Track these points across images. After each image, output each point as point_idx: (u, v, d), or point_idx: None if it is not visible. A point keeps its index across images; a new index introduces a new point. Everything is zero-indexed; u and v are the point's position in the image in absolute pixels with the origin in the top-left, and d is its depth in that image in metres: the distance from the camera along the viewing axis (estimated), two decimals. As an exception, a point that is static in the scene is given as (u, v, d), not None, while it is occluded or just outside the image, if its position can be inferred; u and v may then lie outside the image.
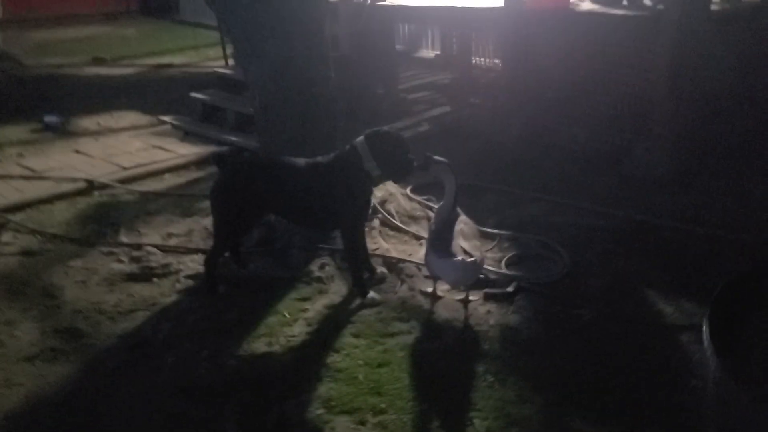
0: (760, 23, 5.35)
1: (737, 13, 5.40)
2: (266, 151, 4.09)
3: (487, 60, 8.08)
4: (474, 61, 8.12)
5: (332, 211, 3.48)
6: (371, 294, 3.51)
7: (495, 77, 7.49)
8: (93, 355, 3.19)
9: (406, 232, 4.30)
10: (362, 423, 2.70)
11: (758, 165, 5.20)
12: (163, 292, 3.69)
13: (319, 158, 3.45)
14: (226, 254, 3.74)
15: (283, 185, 3.46)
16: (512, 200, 4.85)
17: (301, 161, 3.50)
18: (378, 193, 4.56)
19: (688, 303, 3.48)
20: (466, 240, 3.35)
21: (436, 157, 3.42)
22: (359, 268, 3.53)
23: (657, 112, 4.90)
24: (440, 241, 3.33)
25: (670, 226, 4.33)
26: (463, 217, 3.52)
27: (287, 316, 3.42)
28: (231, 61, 8.04)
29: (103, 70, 9.65)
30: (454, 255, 3.22)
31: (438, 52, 9.37)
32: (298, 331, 3.30)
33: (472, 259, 3.20)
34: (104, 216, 4.71)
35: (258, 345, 3.20)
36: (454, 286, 3.49)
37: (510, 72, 6.08)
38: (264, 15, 3.72)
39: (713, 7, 5.21)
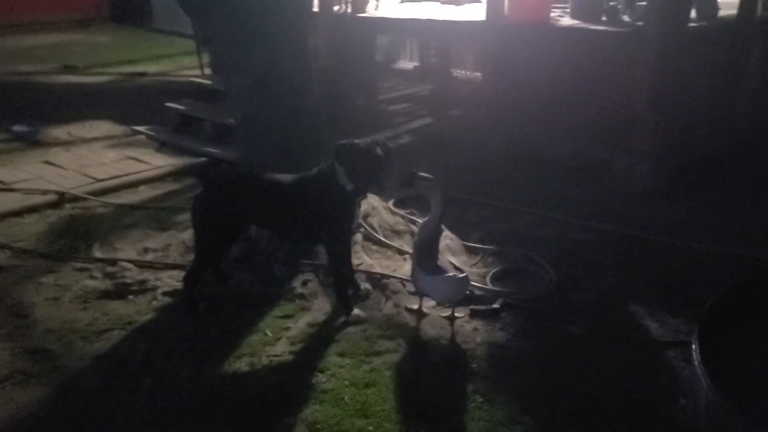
0: (733, 39, 5.42)
1: (711, 29, 5.46)
2: (248, 163, 3.99)
3: (467, 72, 8.11)
4: (453, 73, 8.14)
5: (315, 225, 3.40)
6: (356, 311, 3.43)
7: (475, 89, 7.51)
8: (66, 377, 3.05)
9: (390, 247, 4.22)
10: (350, 447, 2.61)
11: (737, 176, 5.26)
12: (140, 310, 3.56)
13: (303, 172, 3.37)
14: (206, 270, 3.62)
15: (268, 199, 3.37)
16: (497, 213, 4.81)
17: (284, 175, 3.41)
18: (361, 207, 4.49)
19: (674, 318, 3.47)
20: (454, 255, 3.29)
21: (423, 174, 3.35)
22: (345, 284, 3.45)
23: (638, 126, 4.91)
24: (426, 257, 3.26)
25: (656, 240, 4.33)
26: (447, 233, 3.46)
27: (269, 334, 3.32)
28: (207, 71, 7.93)
29: (75, 78, 9.45)
30: (442, 271, 3.16)
31: (416, 64, 9.39)
32: (281, 350, 3.20)
33: (463, 275, 3.14)
34: (76, 230, 4.56)
35: (240, 365, 3.10)
36: (442, 303, 3.42)
37: (491, 85, 6.07)
38: (247, 25, 3.64)
39: (690, 24, 5.26)
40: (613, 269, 4.00)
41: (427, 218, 3.41)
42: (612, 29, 5.18)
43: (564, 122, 5.56)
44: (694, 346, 2.72)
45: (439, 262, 3.21)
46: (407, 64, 9.68)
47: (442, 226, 3.44)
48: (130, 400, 2.89)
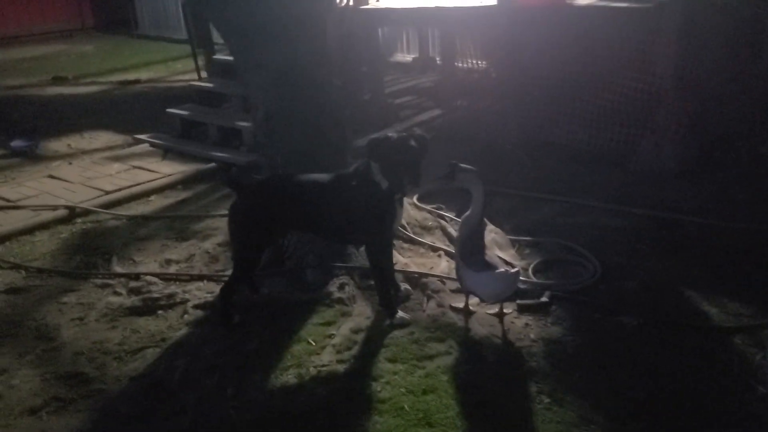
0: (756, 9, 5.28)
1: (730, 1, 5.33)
2: (272, 165, 3.82)
3: (470, 61, 7.94)
4: (457, 63, 7.98)
5: (354, 226, 3.23)
6: (401, 314, 3.27)
7: (479, 78, 7.36)
8: (104, 401, 2.87)
9: (421, 244, 4.07)
10: (419, 459, 2.46)
11: (763, 153, 5.13)
12: (172, 325, 3.39)
13: (339, 171, 3.20)
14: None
15: (304, 202, 3.21)
16: (523, 203, 4.67)
17: (320, 175, 3.24)
18: (402, 205, 4.33)
19: (732, 302, 3.34)
20: (501, 250, 3.14)
21: (463, 165, 3.20)
22: (387, 287, 3.29)
23: (663, 105, 4.78)
24: (472, 253, 3.10)
25: (692, 221, 4.20)
26: (491, 226, 3.30)
27: (313, 343, 3.16)
28: (204, 74, 7.74)
29: (66, 90, 9.22)
30: (491, 267, 3.00)
31: (415, 56, 9.22)
32: (328, 359, 3.04)
33: (515, 269, 2.99)
34: (91, 245, 4.37)
35: (287, 377, 2.93)
36: (491, 301, 3.27)
37: (503, 72, 5.91)
38: (265, 20, 3.46)
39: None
40: (655, 254, 3.87)
41: (468, 212, 3.25)
42: (633, 5, 5.03)
43: (580, 106, 5.41)
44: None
45: (487, 258, 3.05)
46: (405, 57, 9.51)
47: (486, 220, 3.28)
48: (175, 423, 2.72)
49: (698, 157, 4.98)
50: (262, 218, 3.19)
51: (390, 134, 3.14)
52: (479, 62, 7.74)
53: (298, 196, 3.20)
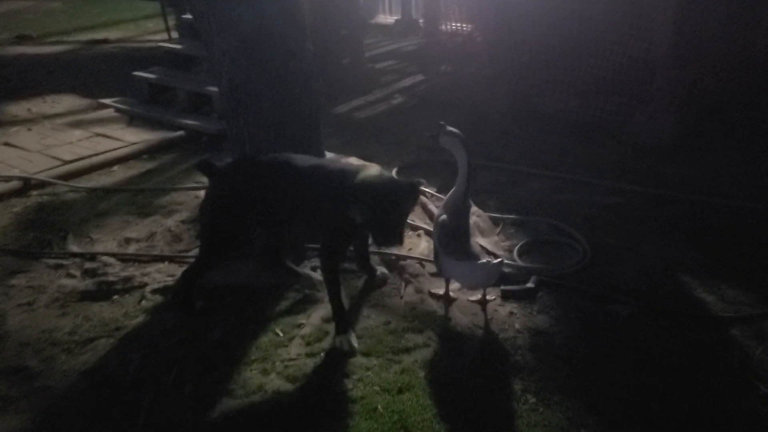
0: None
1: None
2: (236, 137, 3.51)
3: (456, 24, 7.59)
4: (441, 26, 7.63)
5: (315, 229, 2.92)
6: (352, 339, 2.80)
7: (464, 42, 7.03)
8: (50, 400, 2.61)
9: (400, 222, 3.80)
10: (392, 469, 2.24)
11: (761, 124, 4.90)
12: (128, 313, 3.12)
13: (326, 162, 2.85)
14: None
15: (281, 192, 2.87)
16: (510, 178, 4.42)
17: (302, 161, 2.87)
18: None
19: (731, 289, 3.13)
20: (483, 235, 2.88)
21: (450, 128, 2.93)
22: (338, 296, 2.84)
23: (660, 74, 4.51)
24: (454, 238, 2.84)
25: (687, 198, 3.98)
26: (475, 209, 3.03)
27: (281, 334, 2.91)
28: (175, 34, 7.33)
29: (30, 49, 8.73)
30: (473, 255, 2.75)
31: (397, 17, 8.85)
32: (296, 351, 2.79)
33: (498, 260, 2.74)
34: (46, 220, 4.06)
35: (251, 374, 2.68)
36: (473, 289, 3.03)
37: (490, 36, 5.59)
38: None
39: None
40: (650, 235, 3.64)
41: (452, 190, 2.99)
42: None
43: (572, 74, 5.14)
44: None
45: (469, 246, 2.79)
46: (387, 18, 9.13)
47: (470, 201, 3.02)
48: (127, 424, 2.47)
49: (694, 129, 4.74)
50: (235, 208, 2.87)
51: (377, 174, 2.62)
52: (465, 25, 7.41)
53: (278, 184, 2.86)
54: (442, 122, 2.95)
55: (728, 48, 4.93)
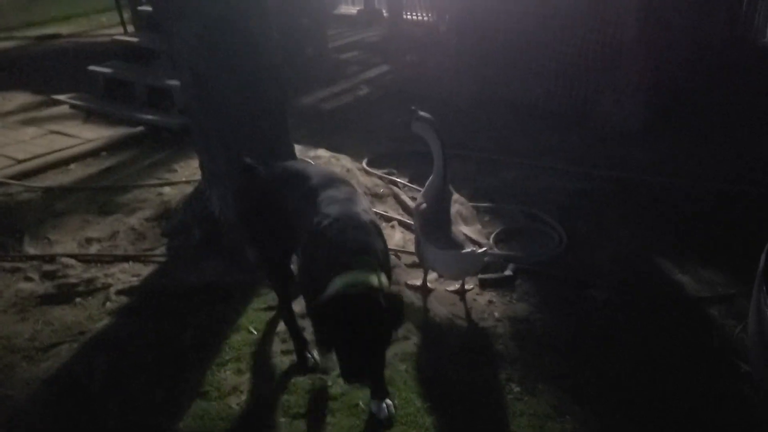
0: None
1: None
2: (200, 131, 3.38)
3: (418, 14, 7.54)
4: (404, 16, 7.58)
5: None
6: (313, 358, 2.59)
7: (429, 32, 6.98)
8: (10, 410, 2.46)
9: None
10: (378, 467, 2.17)
11: (723, 110, 4.96)
12: (92, 316, 2.97)
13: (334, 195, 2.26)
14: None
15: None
16: (480, 166, 4.38)
17: (317, 174, 2.42)
18: (334, 170, 3.97)
19: (704, 270, 3.15)
20: (467, 224, 2.82)
21: (422, 113, 2.85)
22: (293, 320, 2.63)
23: (626, 59, 4.51)
24: (436, 227, 2.77)
25: (657, 182, 3.99)
26: (457, 197, 2.97)
27: (254, 332, 2.80)
28: (131, 28, 7.09)
29: (-23, 46, 8.37)
30: (457, 244, 2.68)
31: (360, 8, 8.74)
32: (272, 350, 2.70)
33: (482, 249, 2.68)
34: (0, 222, 3.86)
35: (225, 374, 2.58)
36: (455, 279, 2.97)
37: (456, 25, 5.54)
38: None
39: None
40: (622, 219, 3.64)
41: (430, 178, 2.93)
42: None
43: (538, 62, 5.11)
44: (761, 297, 2.33)
45: (453, 234, 2.73)
46: (350, 9, 9.01)
47: (451, 188, 2.96)
48: (95, 433, 2.35)
49: (660, 114, 4.77)
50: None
51: (359, 287, 1.93)
52: (428, 14, 7.36)
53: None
54: (414, 107, 2.88)
55: (690, 35, 4.98)
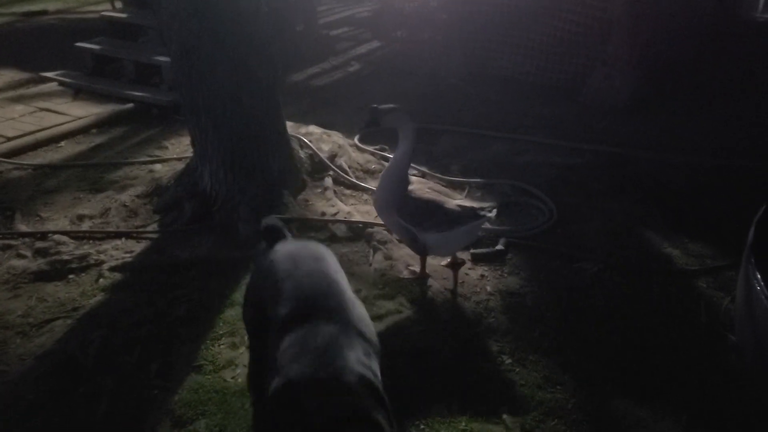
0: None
1: None
2: (190, 108, 3.36)
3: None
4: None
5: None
6: None
7: (420, 7, 6.92)
8: (4, 386, 2.47)
9: (365, 189, 3.75)
10: (371, 437, 2.19)
11: (712, 82, 4.98)
12: (85, 292, 2.98)
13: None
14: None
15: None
16: (471, 141, 4.38)
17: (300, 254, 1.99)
18: (325, 146, 3.97)
19: (692, 243, 3.18)
20: (451, 197, 2.83)
21: (384, 106, 2.78)
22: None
23: (616, 33, 4.50)
24: (430, 214, 2.74)
25: (646, 156, 4.02)
26: (415, 179, 2.90)
27: (248, 307, 2.81)
28: (119, 4, 7.00)
29: (-38, 23, 8.23)
30: (455, 218, 2.69)
31: (351, -17, 8.65)
32: (265, 324, 2.71)
33: (490, 209, 2.71)
34: (-9, 200, 3.84)
35: (219, 348, 2.60)
36: (454, 253, 2.97)
37: (445, 1, 5.50)
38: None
39: None
40: (611, 193, 3.67)
41: (395, 161, 2.81)
42: None
43: (528, 36, 5.10)
44: (749, 269, 2.36)
45: (449, 210, 2.72)
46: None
47: (410, 177, 2.87)
48: (89, 409, 2.36)
49: (649, 88, 4.78)
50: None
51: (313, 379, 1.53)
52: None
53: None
54: (374, 105, 2.78)
55: (680, 9, 4.96)
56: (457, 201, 2.77)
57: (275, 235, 2.13)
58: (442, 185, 3.19)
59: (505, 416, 2.24)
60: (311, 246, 2.08)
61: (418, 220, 2.73)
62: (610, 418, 2.23)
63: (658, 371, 2.43)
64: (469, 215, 2.68)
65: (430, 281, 2.94)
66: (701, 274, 2.94)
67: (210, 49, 3.20)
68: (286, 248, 2.02)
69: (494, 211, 2.78)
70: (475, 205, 2.76)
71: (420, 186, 2.85)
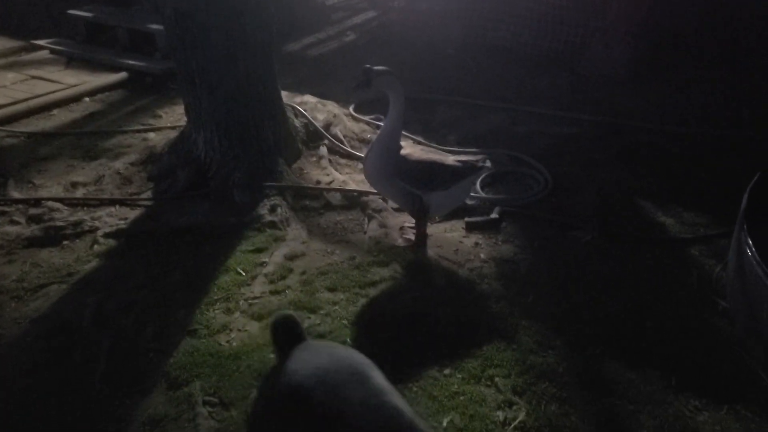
0: None
1: None
2: (184, 72, 3.33)
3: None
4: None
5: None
6: None
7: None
8: (1, 349, 2.49)
9: (359, 158, 3.74)
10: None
11: (711, 52, 4.94)
12: (80, 258, 2.98)
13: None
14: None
15: None
16: (468, 112, 4.37)
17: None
18: (320, 116, 3.95)
19: (687, 212, 3.20)
20: (444, 155, 2.89)
21: (378, 68, 2.78)
22: None
23: (615, 4, 4.48)
24: (429, 174, 2.78)
25: (645, 127, 4.01)
26: (407, 143, 2.94)
27: (243, 273, 2.82)
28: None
29: (-50, -11, 8.09)
30: (457, 174, 2.75)
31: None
32: (260, 290, 2.73)
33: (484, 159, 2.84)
34: (-16, 167, 3.82)
35: (214, 313, 2.61)
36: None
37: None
38: None
39: None
40: (607, 163, 3.67)
41: (386, 128, 2.82)
42: None
43: (525, 5, 5.05)
44: (741, 237, 2.38)
45: (449, 164, 2.79)
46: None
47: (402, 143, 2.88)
48: (85, 372, 2.38)
49: (648, 59, 4.75)
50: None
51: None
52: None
53: None
54: (367, 65, 2.77)
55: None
56: (452, 157, 2.81)
57: (290, 337, 1.64)
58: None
59: (497, 379, 2.26)
60: (340, 352, 1.61)
61: (424, 180, 2.76)
62: (600, 380, 2.25)
63: (649, 336, 2.45)
64: (471, 168, 2.78)
65: (425, 248, 2.95)
66: (694, 243, 2.95)
67: (203, 12, 3.16)
68: (311, 361, 1.52)
69: (488, 162, 2.88)
70: (470, 158, 2.81)
71: (412, 149, 2.87)
